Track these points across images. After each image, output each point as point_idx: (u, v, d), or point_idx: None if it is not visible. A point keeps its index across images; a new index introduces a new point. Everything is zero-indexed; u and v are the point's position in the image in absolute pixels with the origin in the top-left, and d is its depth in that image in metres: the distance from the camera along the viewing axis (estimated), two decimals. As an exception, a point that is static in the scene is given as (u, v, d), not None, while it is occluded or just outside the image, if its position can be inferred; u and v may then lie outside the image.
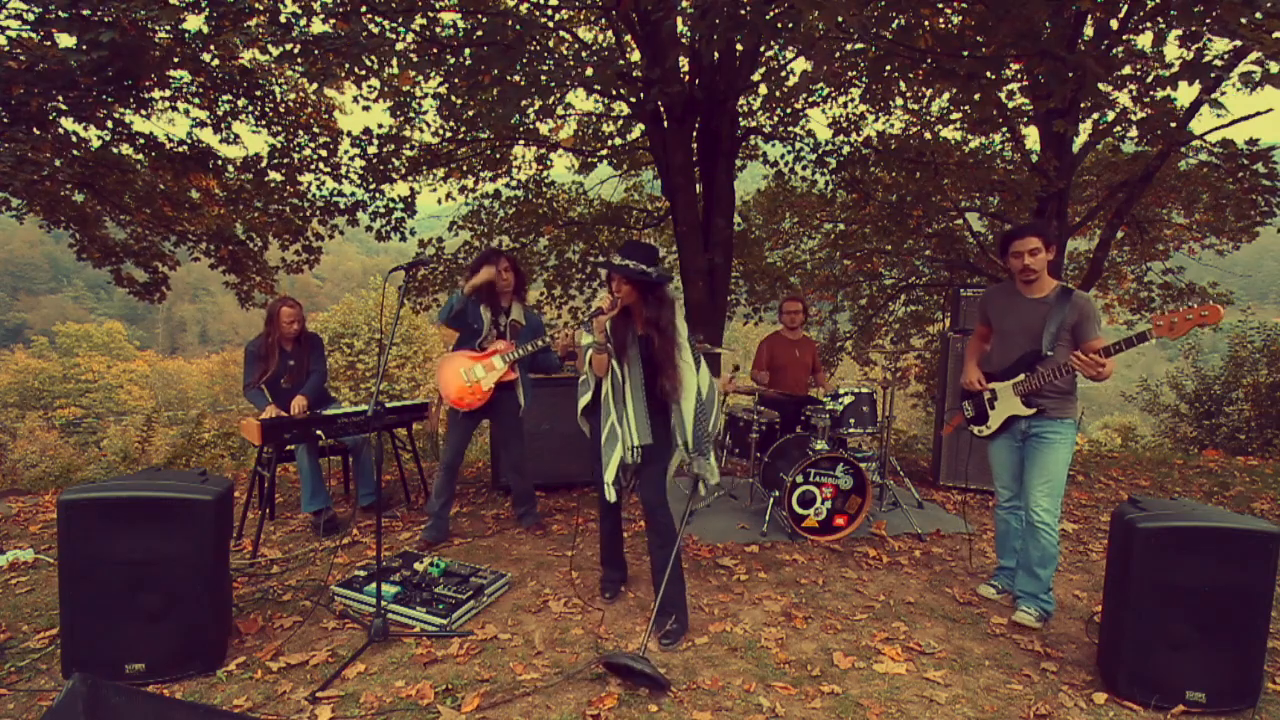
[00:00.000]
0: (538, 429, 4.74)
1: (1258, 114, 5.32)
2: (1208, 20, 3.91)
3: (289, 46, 4.89)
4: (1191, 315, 2.49)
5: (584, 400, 3.01)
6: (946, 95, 7.52)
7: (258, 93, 6.79)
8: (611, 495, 2.86)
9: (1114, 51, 5.04)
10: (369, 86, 6.78)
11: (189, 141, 6.90)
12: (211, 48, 5.86)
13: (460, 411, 3.85)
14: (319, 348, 4.35)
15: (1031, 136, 6.96)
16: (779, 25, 4.75)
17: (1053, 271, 3.01)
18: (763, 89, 7.96)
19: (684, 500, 3.18)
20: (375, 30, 5.26)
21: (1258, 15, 3.53)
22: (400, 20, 5.60)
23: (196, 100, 6.72)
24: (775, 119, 8.25)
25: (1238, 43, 4.46)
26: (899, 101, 8.07)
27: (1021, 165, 7.06)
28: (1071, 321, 2.87)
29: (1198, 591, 2.31)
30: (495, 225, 8.75)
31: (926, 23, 5.08)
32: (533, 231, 8.81)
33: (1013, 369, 3.03)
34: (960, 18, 5.49)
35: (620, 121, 8.51)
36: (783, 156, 8.55)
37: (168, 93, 6.53)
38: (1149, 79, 4.56)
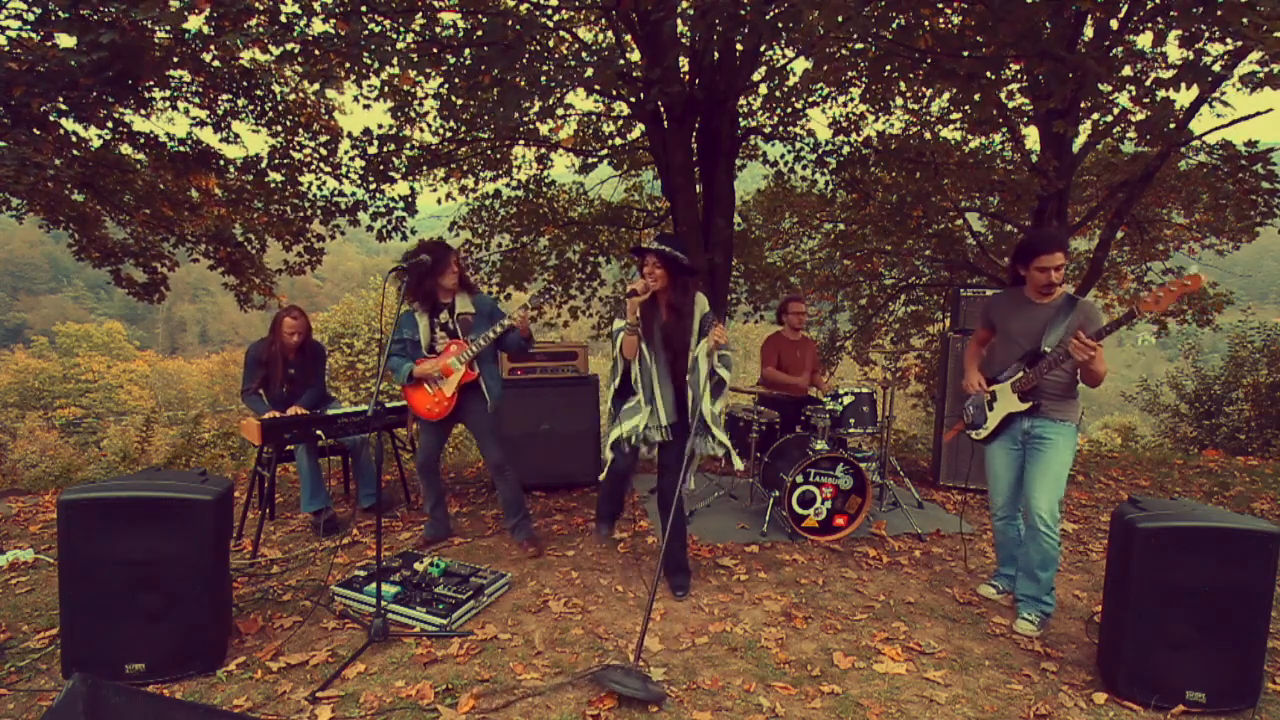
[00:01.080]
0: (537, 429, 4.75)
1: (1258, 114, 5.31)
2: (1205, 22, 3.91)
3: (289, 46, 4.88)
4: (1175, 286, 2.55)
5: (614, 386, 3.18)
6: (946, 95, 7.51)
7: (258, 92, 6.79)
8: (608, 455, 3.14)
9: (1114, 52, 5.04)
10: (369, 86, 6.78)
11: (189, 141, 6.90)
12: (211, 48, 5.86)
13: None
14: (322, 360, 4.34)
15: (1031, 136, 6.96)
16: (779, 25, 4.75)
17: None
18: (763, 89, 7.95)
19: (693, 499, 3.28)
20: (375, 30, 5.26)
21: (1259, 11, 3.53)
22: (400, 20, 5.60)
23: (196, 100, 6.72)
24: (775, 119, 8.24)
25: (1238, 43, 4.46)
26: (899, 101, 8.06)
27: (1021, 165, 7.05)
28: (1076, 325, 2.88)
29: (1198, 591, 2.31)
30: (496, 224, 8.75)
31: (926, 23, 5.07)
32: (533, 231, 8.82)
33: (1014, 370, 3.04)
34: (960, 18, 5.49)
35: (620, 121, 8.50)
36: (783, 156, 8.54)
37: (168, 92, 6.53)
38: (1148, 82, 4.56)
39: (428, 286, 3.54)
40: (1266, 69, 3.93)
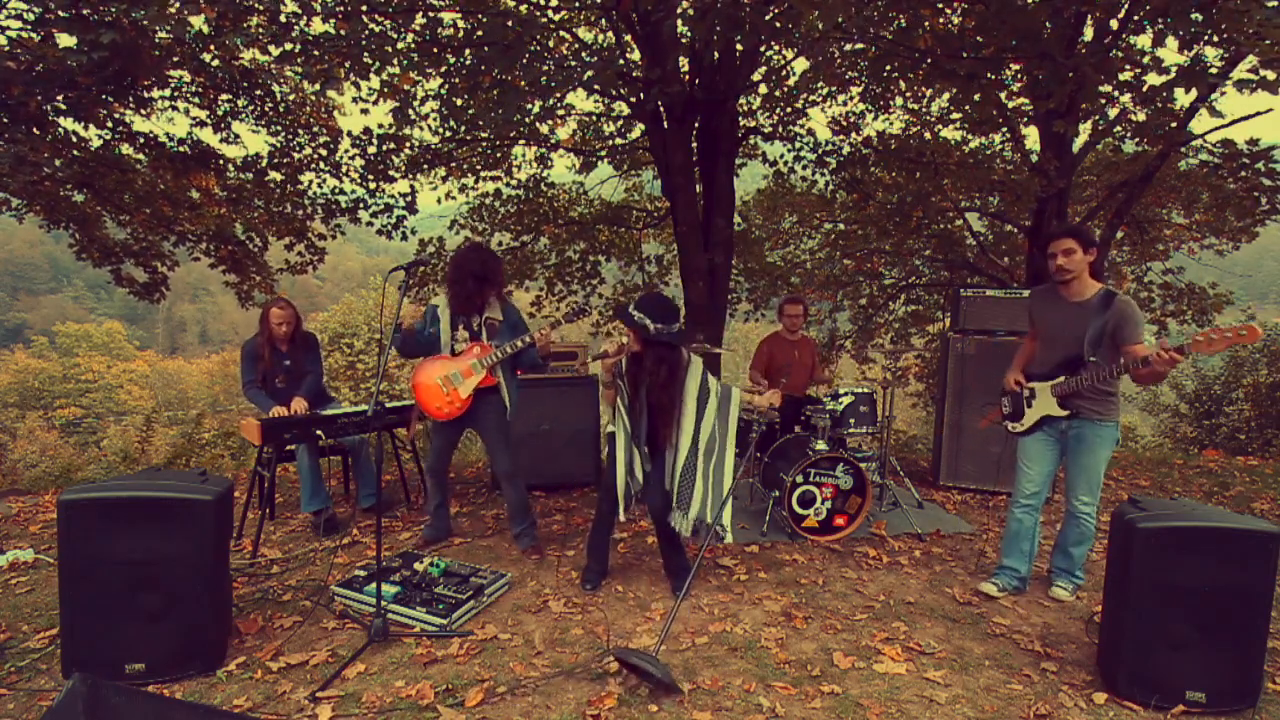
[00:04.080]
0: (537, 429, 4.75)
1: (1258, 114, 5.31)
2: (1204, 26, 3.91)
3: (289, 46, 4.88)
4: (1230, 334, 2.51)
5: (605, 418, 3.26)
6: (946, 95, 7.51)
7: (258, 92, 6.79)
8: (622, 515, 3.15)
9: (1113, 52, 5.04)
10: (368, 87, 6.80)
11: (189, 141, 6.90)
12: (211, 48, 5.86)
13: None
14: (315, 348, 4.33)
15: (1031, 136, 6.96)
16: (778, 25, 4.75)
17: (1095, 274, 3.10)
18: (763, 89, 7.95)
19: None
20: (375, 30, 5.26)
21: (1258, 18, 3.53)
22: (400, 20, 5.60)
23: (196, 100, 6.73)
24: (775, 119, 8.24)
25: (1233, 47, 4.46)
26: (899, 101, 8.06)
27: (1021, 165, 7.05)
28: (1112, 326, 2.90)
29: (1198, 591, 2.31)
30: (496, 223, 8.76)
31: (926, 23, 5.07)
32: (533, 231, 8.82)
33: (1054, 371, 3.08)
34: (960, 18, 5.49)
35: (620, 121, 8.50)
36: (782, 156, 8.55)
37: (167, 92, 6.54)
38: (1144, 88, 4.55)
39: (457, 292, 3.51)
40: (1261, 75, 3.93)
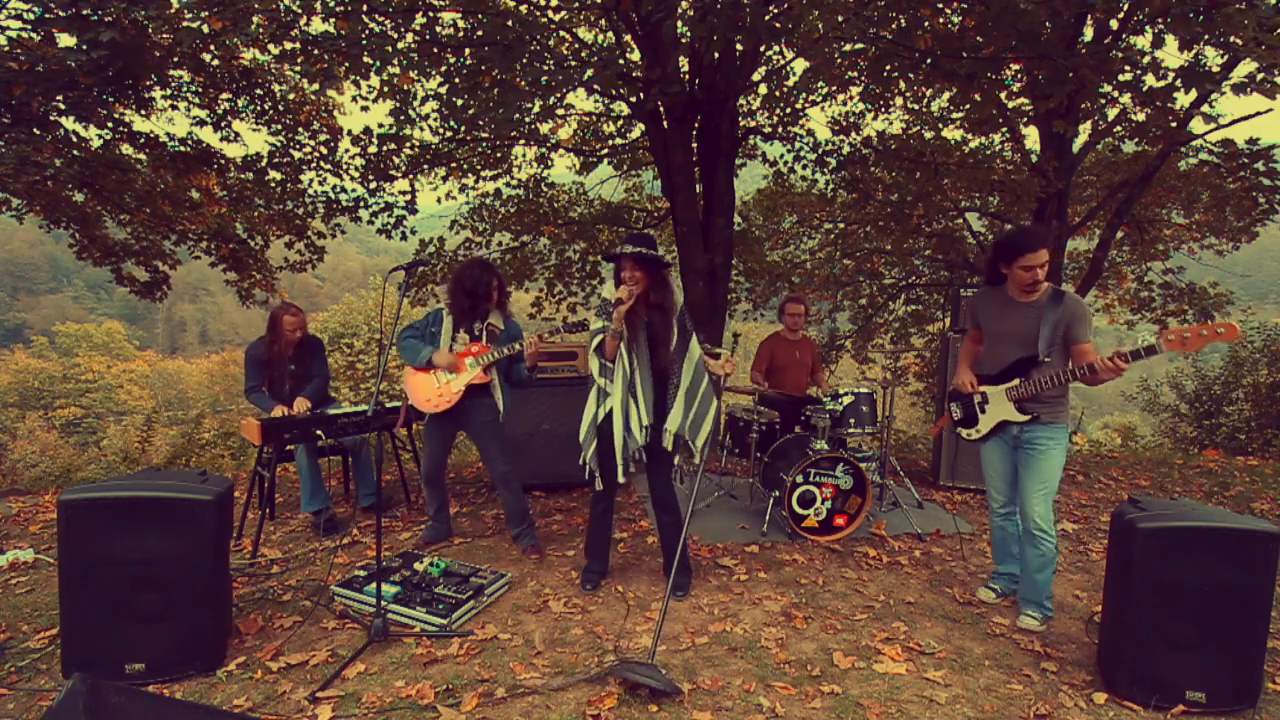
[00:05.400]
0: (537, 429, 4.75)
1: (1257, 114, 5.32)
2: (1204, 28, 3.91)
3: (289, 46, 4.88)
4: (1206, 332, 2.39)
5: (606, 408, 3.07)
6: (946, 95, 7.52)
7: (258, 91, 6.80)
8: (621, 477, 3.07)
9: (1113, 52, 5.04)
10: (368, 87, 6.80)
11: (189, 141, 6.91)
12: (211, 47, 5.87)
13: (431, 417, 3.65)
14: (320, 352, 4.35)
15: (1031, 136, 6.97)
16: (778, 26, 4.74)
17: (1050, 273, 3.00)
18: (763, 89, 7.96)
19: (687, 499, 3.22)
20: (375, 30, 5.26)
21: (1252, 23, 3.53)
22: (400, 20, 5.60)
23: (196, 99, 6.73)
24: (775, 119, 8.25)
25: (1230, 52, 4.47)
26: (899, 101, 8.06)
27: (1021, 165, 7.06)
28: (1064, 324, 2.85)
29: (1198, 591, 2.31)
30: (497, 223, 8.76)
31: (926, 23, 5.07)
32: (533, 231, 8.82)
33: (1007, 373, 3.00)
34: (960, 18, 5.49)
35: (620, 121, 8.51)
36: (782, 156, 8.55)
37: (168, 92, 6.54)
38: (1145, 89, 4.55)
39: (460, 301, 3.57)
40: (1260, 77, 3.94)
